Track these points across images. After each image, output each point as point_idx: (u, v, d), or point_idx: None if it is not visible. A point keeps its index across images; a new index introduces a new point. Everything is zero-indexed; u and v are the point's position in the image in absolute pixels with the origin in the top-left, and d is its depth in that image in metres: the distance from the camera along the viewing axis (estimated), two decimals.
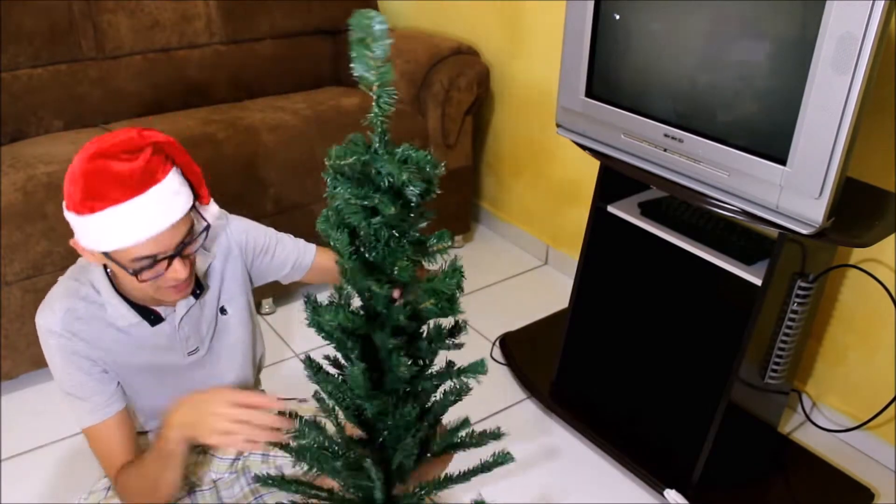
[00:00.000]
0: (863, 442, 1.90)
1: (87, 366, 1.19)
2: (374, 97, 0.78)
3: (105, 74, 2.37)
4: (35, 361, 2.00)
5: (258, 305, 2.37)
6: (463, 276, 0.84)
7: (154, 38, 2.44)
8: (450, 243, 0.87)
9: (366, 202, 0.80)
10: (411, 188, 0.79)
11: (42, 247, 1.91)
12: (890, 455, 1.85)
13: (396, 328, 0.86)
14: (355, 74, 0.76)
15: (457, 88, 2.49)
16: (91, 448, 1.25)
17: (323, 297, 0.88)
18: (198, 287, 1.26)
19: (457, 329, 0.92)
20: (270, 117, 2.34)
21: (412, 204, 0.81)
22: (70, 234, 1.11)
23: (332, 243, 0.84)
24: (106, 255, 1.09)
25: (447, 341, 0.91)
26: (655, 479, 1.72)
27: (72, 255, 2.02)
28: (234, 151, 2.19)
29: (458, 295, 0.85)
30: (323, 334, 0.87)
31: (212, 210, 1.21)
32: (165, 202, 1.07)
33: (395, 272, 0.83)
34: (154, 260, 1.09)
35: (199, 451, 1.39)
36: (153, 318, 1.23)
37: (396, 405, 0.89)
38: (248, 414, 1.06)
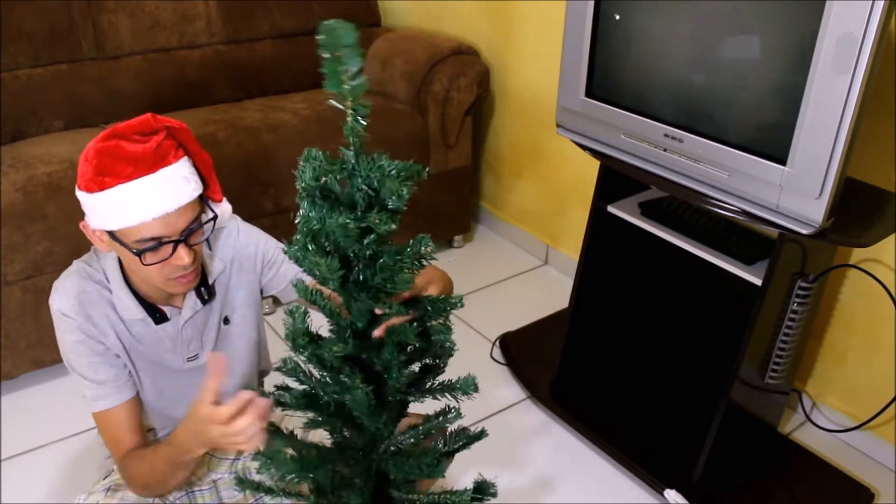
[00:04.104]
0: (863, 442, 1.90)
1: (99, 349, 1.20)
2: (349, 112, 0.75)
3: (105, 74, 2.37)
4: (35, 361, 2.00)
5: None
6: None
7: (154, 38, 2.44)
8: (432, 246, 0.81)
9: (363, 224, 0.76)
10: (394, 199, 0.76)
11: (42, 247, 1.91)
12: (890, 455, 1.85)
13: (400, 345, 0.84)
14: (328, 90, 0.73)
15: (457, 88, 2.49)
16: (99, 431, 1.25)
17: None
18: (207, 293, 1.26)
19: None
20: (270, 117, 2.34)
21: (398, 215, 0.78)
22: (75, 226, 1.11)
23: (314, 270, 0.79)
24: (112, 235, 1.09)
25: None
26: (655, 479, 1.72)
27: (72, 256, 2.02)
28: (234, 151, 2.19)
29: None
30: (305, 359, 0.84)
31: (224, 208, 1.21)
32: (174, 184, 1.08)
33: (395, 286, 0.80)
34: (159, 242, 1.09)
35: None
36: (158, 317, 1.23)
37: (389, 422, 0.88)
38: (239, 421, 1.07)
